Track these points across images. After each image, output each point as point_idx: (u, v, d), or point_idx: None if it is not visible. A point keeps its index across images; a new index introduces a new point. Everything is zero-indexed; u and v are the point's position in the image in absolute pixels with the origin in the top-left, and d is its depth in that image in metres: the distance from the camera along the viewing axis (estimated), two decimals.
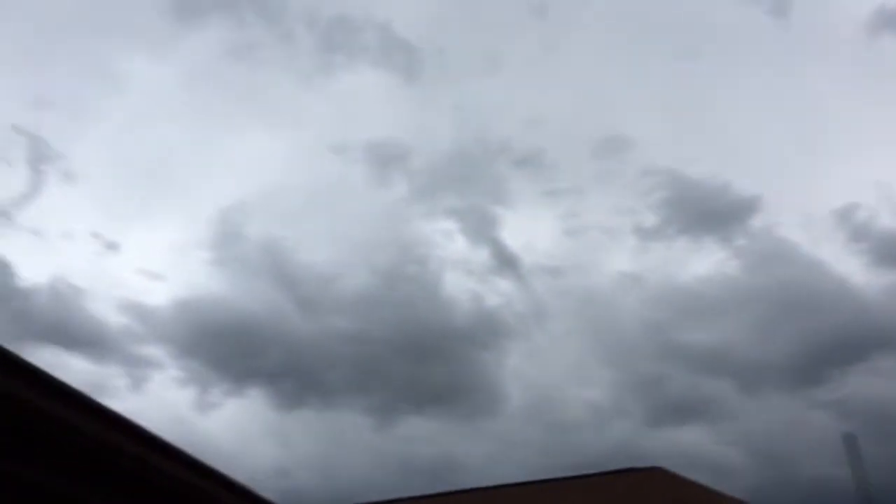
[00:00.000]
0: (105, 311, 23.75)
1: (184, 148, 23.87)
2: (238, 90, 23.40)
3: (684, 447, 20.69)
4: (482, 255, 24.28)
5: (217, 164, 24.02)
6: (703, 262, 24.08)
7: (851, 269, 22.79)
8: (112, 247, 22.30)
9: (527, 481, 12.94)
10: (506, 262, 24.03)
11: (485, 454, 22.32)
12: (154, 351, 22.81)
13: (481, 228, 24.17)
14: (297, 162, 24.36)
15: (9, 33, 20.79)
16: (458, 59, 24.32)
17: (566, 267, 24.19)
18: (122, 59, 21.95)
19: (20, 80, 21.48)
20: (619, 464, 12.83)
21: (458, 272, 24.37)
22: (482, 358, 24.28)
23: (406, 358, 23.84)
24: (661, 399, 22.34)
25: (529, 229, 24.20)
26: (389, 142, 23.54)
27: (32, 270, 25.62)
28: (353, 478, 21.70)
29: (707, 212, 22.95)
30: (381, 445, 23.42)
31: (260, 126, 24.00)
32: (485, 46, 24.17)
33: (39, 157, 20.85)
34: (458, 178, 24.44)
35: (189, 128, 23.81)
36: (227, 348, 22.87)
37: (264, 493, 5.51)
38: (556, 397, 23.75)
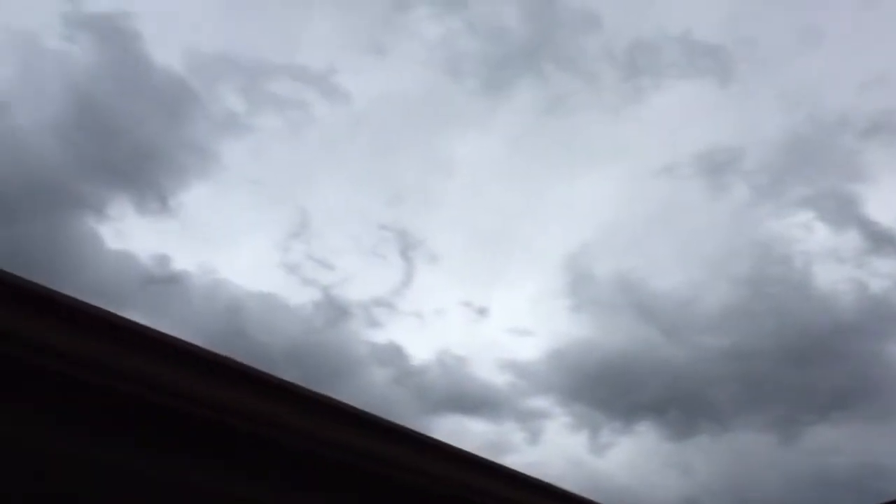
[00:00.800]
0: (488, 373, 25.49)
1: (521, 208, 25.13)
2: (557, 141, 24.20)
3: None
4: (851, 239, 22.16)
5: (554, 215, 24.92)
6: None
7: None
8: (482, 312, 23.92)
9: None
10: (881, 240, 21.68)
11: None
12: (541, 402, 23.90)
13: (842, 211, 22.14)
14: (628, 193, 24.42)
15: (360, 150, 23.72)
16: (769, 45, 22.89)
17: None
18: (451, 143, 23.91)
19: (377, 185, 24.35)
20: None
21: (829, 263, 22.45)
22: (881, 349, 21.98)
23: (793, 365, 22.34)
24: None
25: None
26: (717, 148, 22.71)
27: (420, 349, 28.39)
28: (767, 498, 20.63)
29: None
30: (790, 461, 22.02)
31: (585, 169, 24.54)
32: (795, 22, 22.49)
33: (406, 246, 23.26)
34: (800, 165, 22.75)
35: (521, 188, 25.08)
36: (607, 388, 23.25)
37: None
38: None
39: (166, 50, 19.99)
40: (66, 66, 18.95)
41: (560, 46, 22.86)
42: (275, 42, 22.62)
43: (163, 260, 20.57)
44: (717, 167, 22.76)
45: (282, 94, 21.63)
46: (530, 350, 29.45)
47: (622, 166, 24.84)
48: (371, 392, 21.49)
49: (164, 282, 20.48)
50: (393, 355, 22.71)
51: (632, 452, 23.60)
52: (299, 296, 25.11)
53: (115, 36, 19.09)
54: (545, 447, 23.14)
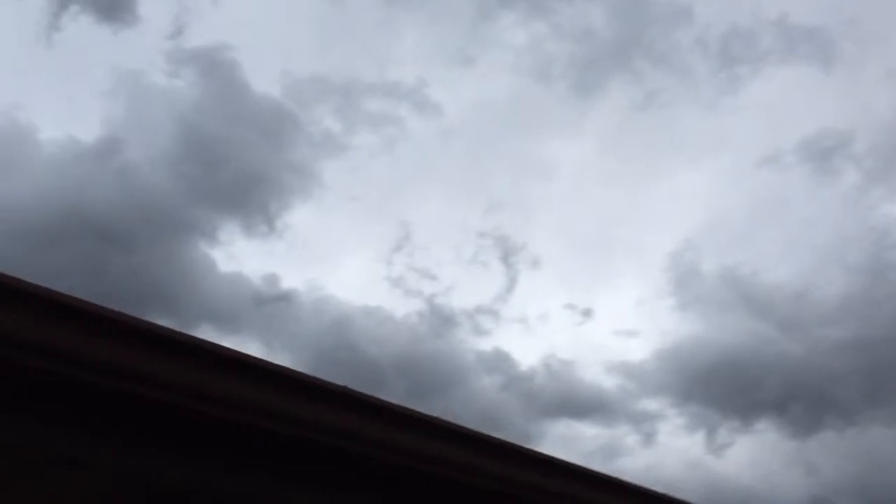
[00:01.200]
0: (596, 375, 25.27)
1: (621, 207, 24.84)
2: (653, 138, 23.79)
3: None
4: None
5: (654, 213, 24.51)
6: None
7: None
8: (586, 314, 23.71)
9: None
10: None
11: None
12: (653, 404, 23.49)
13: None
14: (730, 186, 23.76)
15: (456, 161, 24.00)
16: (873, 22, 21.87)
17: None
18: (545, 148, 23.88)
19: (474, 193, 24.61)
20: None
21: None
22: None
23: None
24: None
25: None
26: (823, 134, 21.81)
27: (526, 355, 28.36)
28: None
29: None
30: None
31: (683, 164, 24.04)
32: None
33: (507, 253, 23.29)
34: None
35: (619, 188, 24.76)
36: (721, 387, 22.65)
37: None
38: None
39: (264, 77, 20.82)
40: (171, 100, 19.97)
41: (650, 42, 22.53)
42: (365, 61, 23.17)
43: (272, 280, 21.33)
44: (824, 153, 21.89)
45: (375, 111, 22.14)
46: (638, 351, 29.05)
47: (723, 159, 24.25)
48: (480, 400, 21.65)
49: (275, 301, 21.22)
50: (500, 362, 22.79)
51: (752, 452, 22.91)
52: (405, 307, 25.60)
53: (215, 68, 20.01)
54: (660, 449, 22.74)
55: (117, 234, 18.86)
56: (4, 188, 17.77)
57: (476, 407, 21.40)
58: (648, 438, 22.93)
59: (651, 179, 24.52)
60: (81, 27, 18.89)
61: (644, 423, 23.09)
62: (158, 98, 19.95)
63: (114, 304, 3.14)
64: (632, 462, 21.92)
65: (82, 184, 18.47)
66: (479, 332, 23.05)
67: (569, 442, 22.58)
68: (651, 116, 23.03)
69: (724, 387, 22.54)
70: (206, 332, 19.60)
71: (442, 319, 22.70)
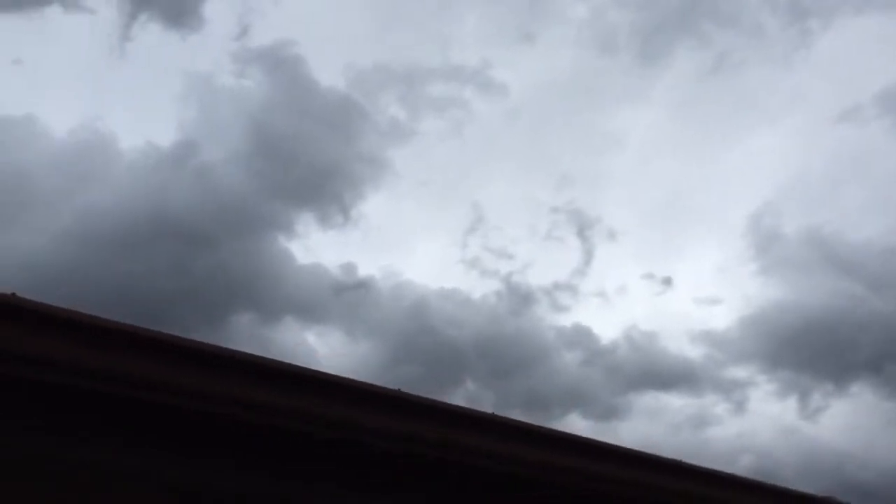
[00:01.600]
0: (680, 345, 24.83)
1: (694, 174, 24.29)
2: (725, 101, 23.15)
3: None
4: None
5: (730, 177, 23.86)
6: None
7: None
8: (666, 283, 23.34)
9: None
10: None
11: None
12: (740, 371, 22.97)
13: None
14: (808, 145, 22.95)
15: (523, 139, 23.96)
16: None
17: None
18: (613, 119, 23.56)
19: (544, 170, 24.60)
20: None
21: None
22: None
23: None
24: None
25: None
26: None
27: (607, 328, 28.10)
28: None
29: None
30: None
31: (758, 126, 23.30)
32: None
33: (582, 227, 23.12)
34: None
35: (691, 154, 24.24)
36: (811, 350, 21.98)
37: None
38: None
39: (328, 70, 21.24)
40: (241, 100, 20.60)
41: (716, 2, 21.87)
42: (426, 46, 23.37)
43: (350, 268, 21.79)
44: None
45: (440, 95, 22.27)
46: (721, 318, 28.36)
47: (799, 117, 23.40)
48: (563, 376, 21.64)
49: (354, 289, 21.69)
50: (580, 337, 22.67)
51: (848, 415, 22.18)
52: (482, 288, 25.74)
53: (281, 65, 20.51)
54: (751, 416, 22.25)
55: (198, 233, 19.61)
56: (90, 197, 18.76)
57: (559, 383, 21.43)
58: (739, 406, 22.46)
59: (725, 143, 23.88)
60: (151, 35, 19.72)
61: (733, 392, 22.62)
62: (228, 99, 20.64)
63: (112, 315, 3.43)
64: (722, 431, 21.57)
65: (163, 188, 19.28)
66: (558, 308, 23.02)
67: (655, 414, 22.38)
68: (721, 79, 22.41)
69: (815, 350, 21.90)
70: (290, 324, 20.31)
71: (520, 298, 22.76)
